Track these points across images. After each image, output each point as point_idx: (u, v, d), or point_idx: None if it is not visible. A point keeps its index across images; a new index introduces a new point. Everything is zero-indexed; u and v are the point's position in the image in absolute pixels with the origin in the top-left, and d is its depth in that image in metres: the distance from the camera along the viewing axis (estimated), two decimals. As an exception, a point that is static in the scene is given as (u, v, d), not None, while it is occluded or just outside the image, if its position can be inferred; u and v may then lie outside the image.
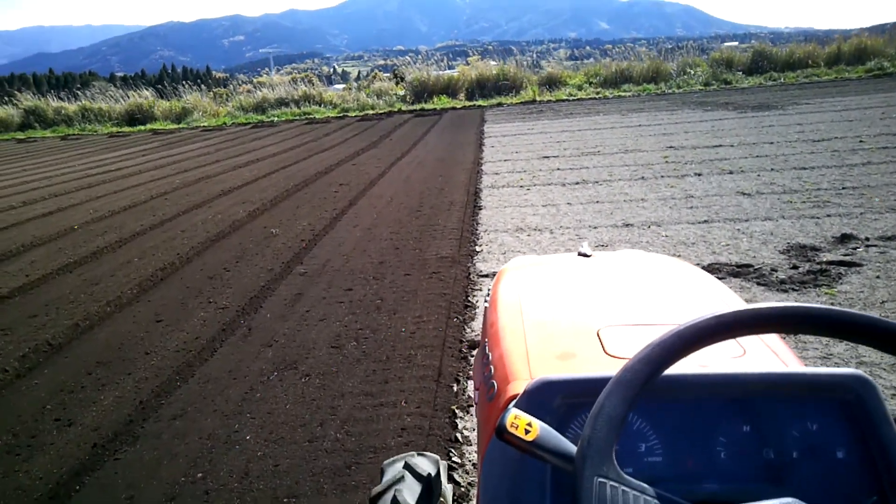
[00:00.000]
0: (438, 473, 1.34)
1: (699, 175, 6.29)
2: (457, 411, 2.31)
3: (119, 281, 4.31)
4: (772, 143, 7.91)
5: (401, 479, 1.27)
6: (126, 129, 22.35)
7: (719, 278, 3.41)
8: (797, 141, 7.85)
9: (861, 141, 7.33)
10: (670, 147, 8.28)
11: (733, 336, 0.62)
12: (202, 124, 21.44)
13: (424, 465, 1.32)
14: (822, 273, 3.37)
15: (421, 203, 6.09)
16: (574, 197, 5.83)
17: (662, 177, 6.39)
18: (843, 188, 5.19)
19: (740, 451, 0.71)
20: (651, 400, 0.72)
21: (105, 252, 5.15)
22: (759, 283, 3.33)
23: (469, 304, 3.41)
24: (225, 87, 26.37)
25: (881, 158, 6.24)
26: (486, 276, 3.83)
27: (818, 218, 4.40)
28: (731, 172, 6.27)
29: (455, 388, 2.50)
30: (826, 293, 3.12)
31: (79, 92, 25.93)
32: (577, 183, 6.45)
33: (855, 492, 0.69)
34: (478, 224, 5.14)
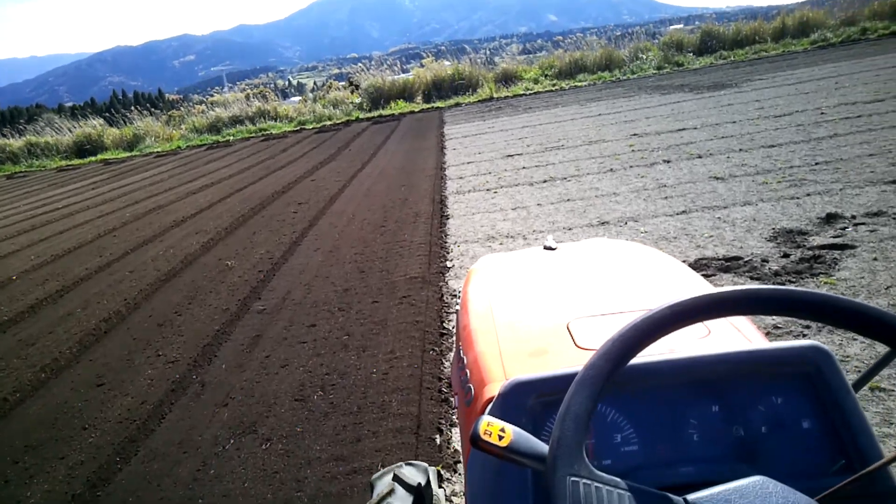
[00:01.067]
0: (429, 482, 1.30)
1: (668, 162, 6.13)
2: (443, 472, 2.02)
3: (58, 338, 3.89)
4: (734, 122, 7.82)
5: (391, 492, 1.24)
6: (76, 161, 21.42)
7: (709, 275, 3.20)
8: (759, 118, 7.78)
9: (822, 113, 7.28)
10: (634, 135, 8.13)
11: (687, 324, 0.62)
12: (155, 150, 20.67)
13: (414, 474, 1.29)
14: (815, 260, 3.18)
15: (385, 217, 5.77)
16: (543, 197, 5.59)
17: (631, 167, 6.20)
18: (816, 164, 5.06)
19: (711, 432, 0.72)
20: (621, 389, 0.73)
21: (45, 304, 4.70)
22: (752, 277, 3.12)
23: (444, 330, 3.11)
24: (179, 109, 25.53)
25: (846, 129, 6.16)
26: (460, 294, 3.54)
27: (798, 198, 4.24)
28: (699, 157, 6.12)
29: (438, 440, 2.20)
30: (825, 283, 2.92)
31: (26, 126, 24.79)
32: (545, 181, 6.22)
33: (822, 459, 0.71)
34: (446, 235, 4.85)
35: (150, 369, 3.22)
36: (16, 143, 22.97)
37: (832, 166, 4.91)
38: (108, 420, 2.75)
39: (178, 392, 2.91)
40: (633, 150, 7.05)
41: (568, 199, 5.32)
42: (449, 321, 3.20)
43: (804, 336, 2.45)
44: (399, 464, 1.34)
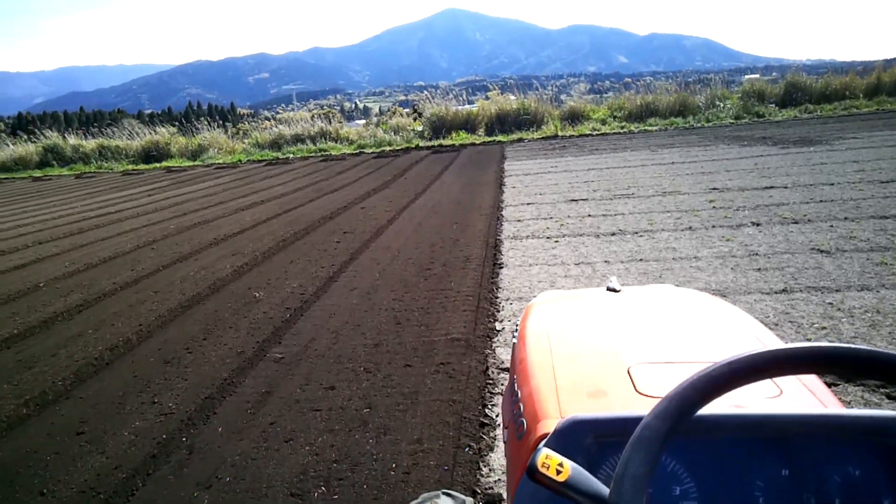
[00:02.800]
0: None
1: (757, 225, 5.38)
2: None
3: (58, 364, 3.52)
4: (831, 184, 6.97)
5: None
6: (141, 166, 22.15)
7: (828, 383, 2.49)
8: (861, 182, 6.90)
9: (941, 183, 6.36)
10: (714, 189, 7.38)
11: (748, 382, 0.59)
12: (217, 161, 21.12)
13: None
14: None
15: (432, 258, 5.26)
16: (611, 252, 4.95)
17: (713, 226, 5.49)
18: (948, 246, 4.23)
19: (779, 496, 0.69)
20: (685, 440, 0.69)
21: (59, 320, 4.39)
22: (890, 396, 2.39)
23: (487, 420, 2.52)
24: (248, 123, 26.19)
25: (977, 205, 5.27)
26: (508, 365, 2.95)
27: (934, 288, 3.46)
28: (795, 222, 5.35)
29: None
30: None
31: (102, 130, 25.97)
32: (613, 234, 5.57)
33: None
34: (498, 289, 4.28)
35: (139, 420, 2.76)
36: (88, 144, 24.04)
37: (971, 251, 4.08)
38: (71, 486, 2.29)
39: (159, 458, 2.42)
40: (714, 207, 6.31)
41: (640, 259, 4.66)
42: (493, 406, 2.61)
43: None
44: (436, 493, 1.27)
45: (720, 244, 4.88)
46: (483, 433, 2.40)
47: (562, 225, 6.16)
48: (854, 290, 3.56)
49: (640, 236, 5.40)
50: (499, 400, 2.65)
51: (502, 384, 2.81)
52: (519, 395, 1.00)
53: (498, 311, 3.80)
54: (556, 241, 5.49)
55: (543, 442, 0.71)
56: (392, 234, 6.54)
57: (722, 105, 19.18)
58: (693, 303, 1.31)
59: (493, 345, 3.29)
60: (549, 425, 0.80)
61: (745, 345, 1.00)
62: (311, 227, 7.37)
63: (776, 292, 3.65)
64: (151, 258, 6.25)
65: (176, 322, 4.15)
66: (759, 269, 4.12)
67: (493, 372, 2.92)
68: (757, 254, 4.50)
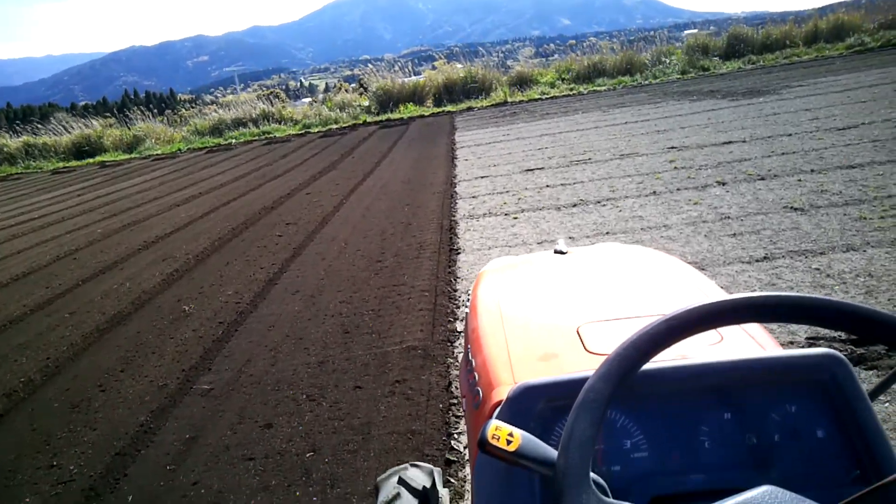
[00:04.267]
0: (434, 484, 1.26)
1: (723, 184, 5.10)
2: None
3: (-58, 419, 2.94)
4: (789, 134, 6.79)
5: (396, 496, 1.21)
6: (73, 163, 20.68)
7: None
8: (818, 130, 6.73)
9: (897, 126, 6.23)
10: (672, 147, 7.11)
11: (687, 336, 0.61)
12: (155, 152, 19.89)
13: (419, 477, 1.25)
14: None
15: (383, 248, 4.80)
16: (575, 226, 4.59)
17: (678, 189, 5.19)
18: (924, 193, 4.03)
19: (723, 440, 0.71)
20: (632, 395, 0.72)
21: (-48, 359, 3.77)
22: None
23: (454, 455, 2.11)
24: (189, 109, 24.67)
25: (941, 148, 5.12)
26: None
27: (922, 244, 3.21)
28: (761, 178, 5.09)
29: None
30: None
31: (36, 126, 24.04)
32: (575, 205, 5.22)
33: (837, 469, 0.69)
34: (456, 279, 3.86)
35: (30, 495, 2.25)
36: (13, 143, 22.24)
37: (949, 198, 3.88)
38: None
39: (52, 547, 1.94)
40: (675, 168, 6.03)
41: (607, 232, 4.32)
42: (460, 434, 2.21)
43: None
44: (404, 465, 1.28)
45: (689, 209, 4.58)
46: (450, 474, 2.00)
47: (520, 199, 5.77)
48: (839, 251, 3.29)
49: (604, 205, 5.06)
50: (464, 426, 2.26)
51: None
52: (473, 364, 1.00)
53: (458, 308, 3.39)
54: (516, 218, 5.10)
55: (497, 410, 0.74)
56: (339, 222, 6.02)
57: (668, 61, 19.08)
58: (638, 259, 1.33)
59: (455, 350, 2.88)
60: (503, 392, 0.80)
61: (687, 297, 1.03)
62: (250, 220, 6.77)
63: (758, 260, 3.36)
64: (71, 271, 5.57)
65: (91, 351, 3.59)
66: (735, 235, 3.83)
67: (456, 387, 2.51)
68: (729, 217, 4.21)
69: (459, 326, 3.14)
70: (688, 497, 0.67)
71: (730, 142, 6.91)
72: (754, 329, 0.91)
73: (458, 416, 2.29)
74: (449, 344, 2.94)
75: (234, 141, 19.34)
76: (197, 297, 4.29)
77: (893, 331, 0.57)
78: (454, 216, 5.49)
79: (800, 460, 0.70)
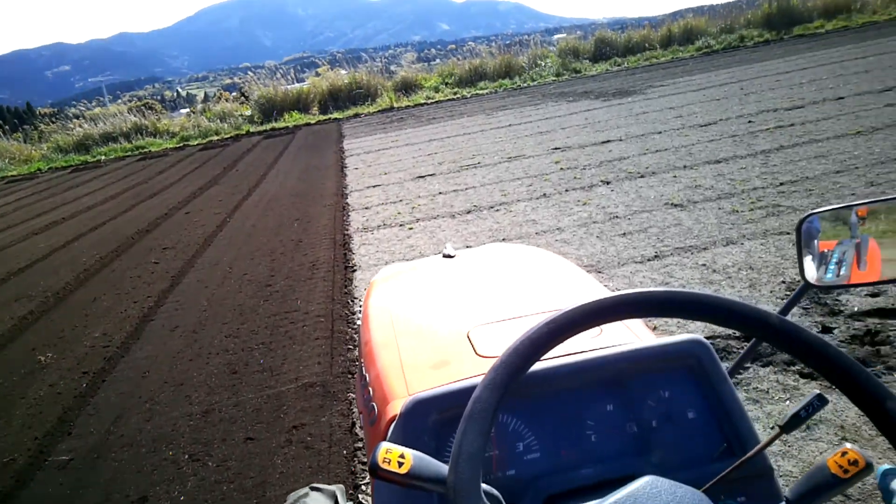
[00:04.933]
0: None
1: (608, 183, 5.30)
2: None
3: None
4: (659, 132, 7.24)
5: None
6: None
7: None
8: (684, 128, 7.25)
9: (750, 122, 6.84)
10: (556, 148, 7.33)
11: (568, 338, 0.62)
12: (10, 174, 17.60)
13: (321, 502, 1.19)
14: (875, 337, 2.32)
15: (272, 270, 4.46)
16: (471, 234, 4.54)
17: (567, 190, 5.32)
18: (781, 184, 4.39)
19: (608, 431, 0.74)
20: (521, 397, 0.73)
21: None
22: (802, 374, 2.21)
23: (363, 505, 1.92)
24: (51, 124, 21.95)
25: (788, 140, 5.65)
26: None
27: (788, 233, 3.47)
28: (641, 175, 5.35)
29: None
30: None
31: None
32: (469, 212, 5.18)
33: (708, 447, 0.74)
34: (353, 300, 3.65)
35: None
36: None
37: (802, 187, 4.25)
38: None
39: None
40: (561, 169, 6.19)
41: (503, 238, 4.30)
42: (368, 485, 2.02)
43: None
44: (304, 490, 1.23)
45: (578, 209, 4.68)
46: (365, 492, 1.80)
47: (413, 208, 5.64)
48: (720, 245, 3.48)
49: (497, 210, 5.07)
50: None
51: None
52: (367, 378, 0.99)
53: (357, 333, 3.18)
54: (411, 229, 4.97)
55: (391, 427, 0.74)
56: (222, 243, 5.56)
57: (543, 64, 19.95)
58: (522, 258, 1.36)
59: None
60: (397, 406, 0.79)
61: (572, 294, 1.07)
62: (122, 246, 6.08)
63: (649, 259, 3.46)
64: None
65: (-87, 425, 2.97)
66: (625, 234, 3.94)
67: (360, 426, 2.31)
68: (617, 216, 4.35)
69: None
70: (579, 492, 0.69)
71: (608, 141, 7.24)
72: (631, 321, 0.94)
73: (364, 464, 2.10)
74: (349, 376, 2.72)
75: (103, 158, 17.60)
76: (56, 343, 3.72)
77: (745, 318, 0.60)
78: (347, 230, 5.25)
79: (676, 442, 0.74)
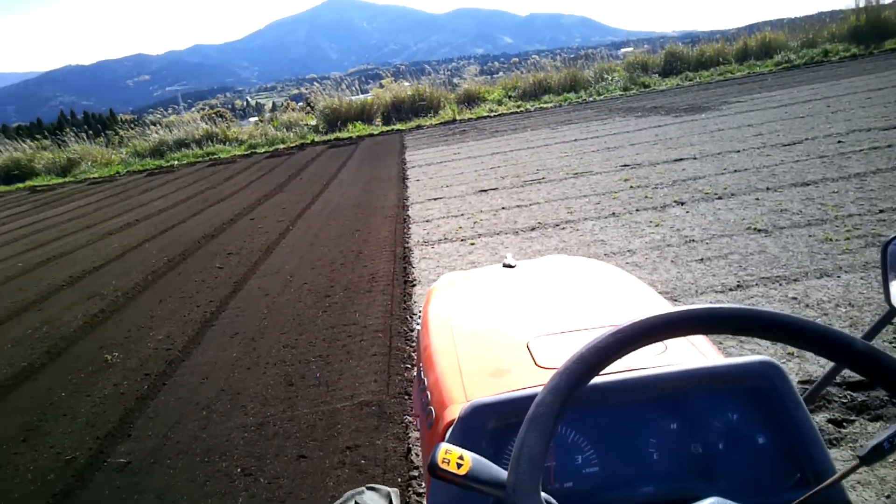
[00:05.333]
0: None
1: (682, 204, 5.01)
2: None
3: None
4: (737, 151, 6.85)
5: None
6: (2, 188, 19.31)
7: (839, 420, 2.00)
8: (765, 147, 6.82)
9: (840, 142, 6.36)
10: (625, 165, 7.06)
11: (635, 349, 0.61)
12: (91, 176, 18.77)
13: (375, 501, 1.23)
14: None
15: (332, 281, 4.44)
16: (535, 252, 4.38)
17: (637, 209, 5.07)
18: (881, 211, 4.00)
19: (670, 450, 0.72)
20: (582, 409, 0.72)
21: None
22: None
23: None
24: (128, 130, 23.35)
25: (887, 163, 5.19)
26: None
27: (891, 267, 3.13)
28: (719, 197, 5.03)
29: None
30: None
31: None
32: (533, 229, 5.02)
33: (778, 475, 0.71)
34: (412, 316, 3.55)
35: None
36: (-69, 169, 20.58)
37: (906, 215, 3.86)
38: None
39: None
40: (630, 187, 5.94)
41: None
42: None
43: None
44: (360, 489, 1.26)
45: (650, 231, 4.43)
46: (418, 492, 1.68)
47: (475, 222, 5.53)
48: (812, 276, 3.17)
49: (563, 229, 4.88)
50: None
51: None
52: (426, 382, 0.99)
53: (415, 352, 3.08)
54: (473, 244, 4.85)
55: (449, 431, 0.73)
56: (285, 251, 5.62)
57: (610, 78, 19.54)
58: (586, 272, 1.34)
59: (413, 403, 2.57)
60: (455, 411, 0.79)
61: (633, 308, 1.04)
62: (189, 249, 6.27)
63: (731, 289, 3.20)
64: (-25, 316, 4.95)
65: (-13, 416, 3.08)
66: (702, 260, 3.68)
67: (417, 454, 2.19)
68: (693, 240, 4.08)
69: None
70: None
71: (681, 159, 6.91)
72: (698, 339, 0.92)
73: (419, 494, 1.98)
74: (406, 397, 2.62)
75: (176, 163, 18.51)
76: (122, 342, 3.81)
77: (826, 342, 0.57)
78: (408, 243, 5.19)
79: (743, 467, 0.71)
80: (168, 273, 5.45)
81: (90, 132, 22.80)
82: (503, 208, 5.90)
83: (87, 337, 4.06)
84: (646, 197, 5.44)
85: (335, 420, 2.50)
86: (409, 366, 2.92)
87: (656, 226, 4.53)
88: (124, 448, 2.55)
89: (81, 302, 4.91)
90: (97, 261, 6.37)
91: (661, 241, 4.16)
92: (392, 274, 4.38)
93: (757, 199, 4.79)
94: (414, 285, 4.09)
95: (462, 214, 5.92)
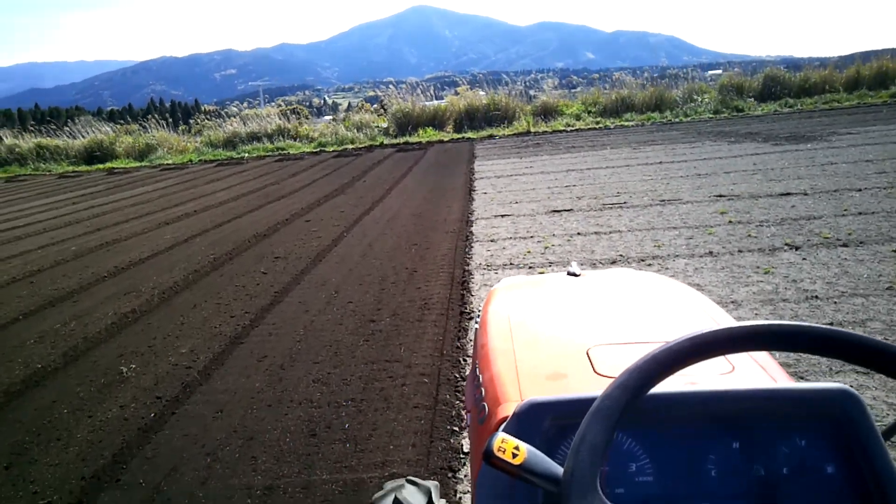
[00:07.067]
0: (431, 502, 1.23)
1: (796, 249, 4.22)
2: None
3: None
4: (858, 189, 5.90)
5: None
6: (83, 167, 20.27)
7: None
8: (892, 187, 5.85)
9: None
10: (720, 196, 6.24)
11: (709, 357, 0.61)
12: (166, 161, 19.39)
13: (416, 496, 1.22)
14: None
15: (379, 302, 3.95)
16: (617, 292, 3.72)
17: (739, 251, 4.31)
18: None
19: (730, 470, 0.71)
20: (640, 419, 0.71)
21: None
22: None
23: None
24: (204, 120, 24.16)
25: None
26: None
27: None
28: (844, 244, 4.20)
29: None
30: None
31: (57, 128, 23.63)
32: (614, 261, 4.35)
33: None
34: (467, 359, 3.00)
35: None
36: (25, 144, 21.86)
37: None
38: None
39: None
40: (729, 222, 5.15)
41: (659, 305, 3.44)
42: None
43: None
44: (401, 482, 1.25)
45: (759, 279, 3.69)
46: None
47: (546, 247, 4.92)
48: None
49: (650, 265, 4.20)
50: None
51: None
52: (481, 379, 1.00)
53: (464, 411, 2.52)
54: (542, 273, 4.24)
55: (503, 425, 0.73)
56: (334, 260, 5.20)
57: (700, 99, 18.37)
58: (651, 286, 1.33)
59: (461, 486, 2.00)
60: (509, 408, 0.80)
61: (700, 324, 0.95)
62: (238, 248, 5.98)
63: (868, 372, 2.46)
64: (19, 301, 4.79)
65: (-15, 427, 2.76)
66: (832, 325, 2.93)
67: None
68: (816, 296, 3.32)
69: (466, 445, 2.25)
70: None
71: (788, 193, 6.04)
72: (766, 361, 0.89)
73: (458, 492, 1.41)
74: (449, 474, 2.06)
75: (246, 155, 18.81)
76: (144, 352, 3.46)
77: None
78: (468, 265, 4.64)
79: (807, 495, 0.69)
80: (211, 273, 5.14)
81: (170, 120, 23.68)
82: (578, 234, 5.25)
83: (111, 340, 3.74)
84: (749, 235, 4.66)
85: (359, 497, 1.97)
86: (455, 428, 2.35)
87: (766, 273, 3.77)
88: (108, 498, 2.12)
89: (118, 297, 4.64)
90: (145, 252, 6.18)
91: (773, 294, 3.41)
92: (448, 301, 3.84)
93: (895, 251, 3.93)
94: (471, 318, 3.53)
95: (532, 237, 5.31)
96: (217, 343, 3.48)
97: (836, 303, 3.20)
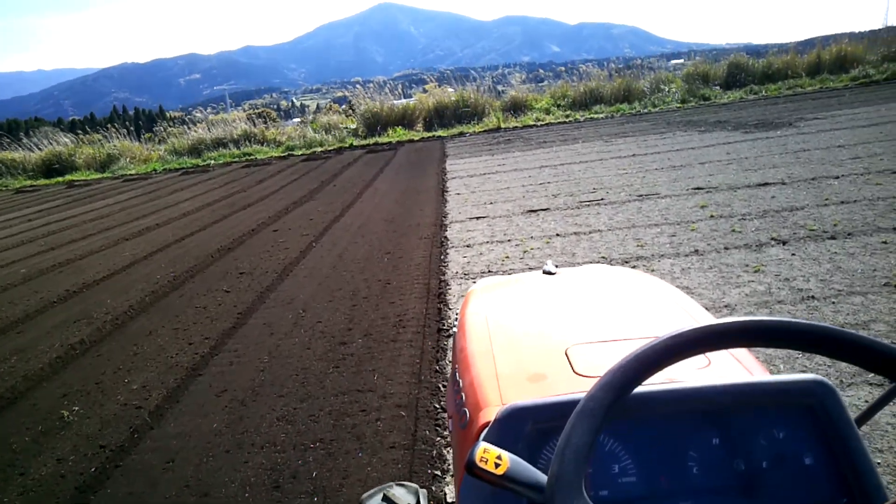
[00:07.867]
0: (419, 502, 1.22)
1: (784, 243, 4.06)
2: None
3: None
4: (836, 176, 5.81)
5: None
6: (41, 181, 19.45)
7: None
8: (870, 172, 5.77)
9: (969, 171, 5.27)
10: (697, 189, 6.10)
11: (691, 355, 0.61)
12: (129, 172, 18.70)
13: (404, 496, 1.21)
14: None
15: (351, 321, 3.66)
16: (602, 299, 3.51)
17: (725, 248, 4.14)
18: None
19: (711, 465, 0.71)
20: (621, 419, 0.71)
21: None
22: None
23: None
24: (172, 127, 23.36)
25: None
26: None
27: None
28: (831, 237, 4.06)
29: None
30: None
31: (8, 140, 22.57)
32: (596, 264, 4.14)
33: (824, 497, 0.68)
34: (446, 383, 2.75)
35: None
36: (-24, 159, 20.90)
37: None
38: None
39: None
40: (710, 216, 5.00)
41: (648, 312, 3.24)
42: None
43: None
44: (389, 484, 1.24)
45: (749, 279, 3.51)
46: None
47: (525, 251, 4.69)
48: None
49: (634, 267, 4.00)
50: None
51: None
52: (461, 384, 0.99)
53: (446, 448, 2.25)
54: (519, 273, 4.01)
55: (484, 432, 0.72)
56: (303, 274, 4.89)
57: (667, 89, 18.42)
58: (627, 281, 1.32)
59: (444, 547, 1.75)
60: (490, 413, 0.79)
61: (677, 321, 1.02)
62: (200, 264, 5.62)
63: (880, 384, 2.28)
64: (-46, 335, 4.37)
65: None
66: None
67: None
68: (812, 296, 3.15)
69: (450, 495, 2.00)
70: None
71: (766, 183, 5.92)
72: (742, 354, 0.90)
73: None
74: (433, 532, 1.80)
75: (212, 162, 18.25)
76: (90, 391, 3.12)
77: (889, 361, 0.56)
78: (444, 274, 4.38)
79: (787, 487, 0.69)
80: (170, 294, 4.79)
81: (132, 129, 22.87)
82: (557, 235, 5.04)
83: (54, 378, 3.39)
84: (733, 231, 4.50)
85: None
86: (438, 472, 2.10)
87: (756, 272, 3.60)
88: (34, 580, 1.82)
89: (66, 325, 4.27)
90: (101, 272, 5.77)
91: (766, 295, 3.23)
92: (424, 317, 3.57)
93: (884, 242, 3.80)
94: (449, 335, 3.28)
95: (509, 240, 5.08)
96: (172, 376, 3.16)
97: (833, 303, 3.04)
